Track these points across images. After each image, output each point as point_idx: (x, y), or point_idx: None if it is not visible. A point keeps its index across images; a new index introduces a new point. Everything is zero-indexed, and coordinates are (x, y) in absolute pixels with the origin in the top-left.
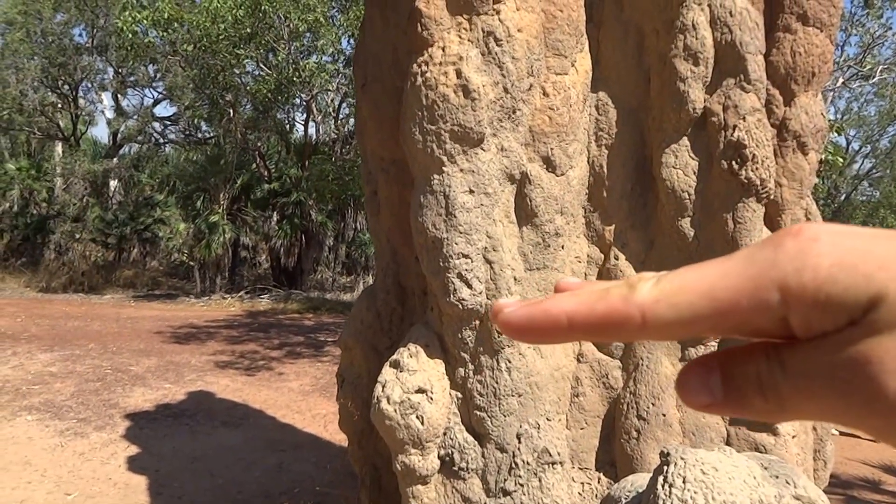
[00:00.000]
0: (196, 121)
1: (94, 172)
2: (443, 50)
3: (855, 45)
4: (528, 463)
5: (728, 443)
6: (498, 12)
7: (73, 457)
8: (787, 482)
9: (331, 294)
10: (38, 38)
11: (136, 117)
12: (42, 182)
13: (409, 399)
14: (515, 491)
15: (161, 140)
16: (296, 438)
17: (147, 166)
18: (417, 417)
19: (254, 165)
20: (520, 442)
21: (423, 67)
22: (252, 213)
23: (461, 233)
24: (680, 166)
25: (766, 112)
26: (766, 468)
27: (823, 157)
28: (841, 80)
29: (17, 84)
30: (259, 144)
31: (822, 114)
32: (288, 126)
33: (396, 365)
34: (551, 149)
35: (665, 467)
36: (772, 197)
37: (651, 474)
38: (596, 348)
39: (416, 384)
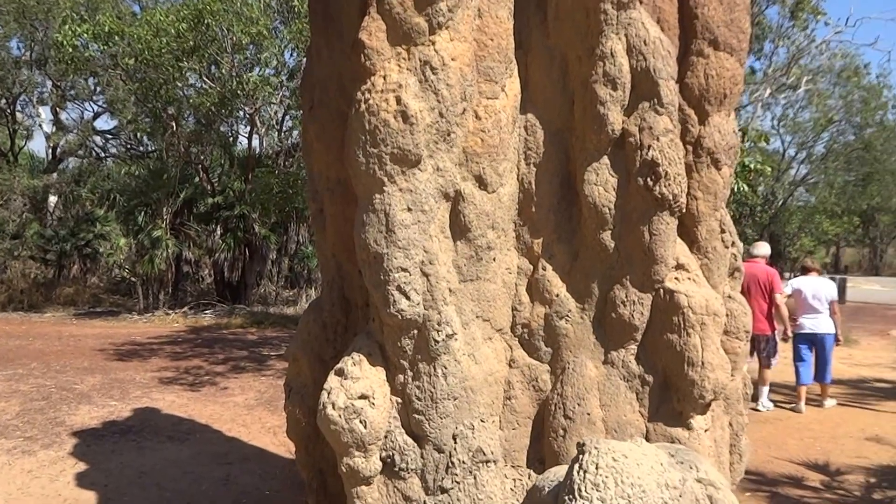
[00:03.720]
0: (138, 134)
1: (33, 188)
2: (384, 78)
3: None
4: (463, 462)
5: (647, 438)
6: (433, 43)
7: (22, 474)
8: (691, 467)
9: (274, 308)
10: None
11: (76, 131)
12: None
13: (352, 405)
14: (452, 488)
15: (102, 154)
16: (242, 451)
17: (88, 181)
18: (361, 422)
19: (197, 179)
20: (456, 442)
21: (366, 95)
22: (195, 227)
23: (400, 248)
24: (601, 183)
25: (682, 131)
26: (672, 455)
27: (753, 165)
28: (769, 90)
29: None
30: (202, 158)
31: (734, 132)
32: (231, 139)
33: (341, 373)
34: (483, 168)
35: (581, 456)
36: (684, 210)
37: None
38: (526, 353)
39: (359, 391)
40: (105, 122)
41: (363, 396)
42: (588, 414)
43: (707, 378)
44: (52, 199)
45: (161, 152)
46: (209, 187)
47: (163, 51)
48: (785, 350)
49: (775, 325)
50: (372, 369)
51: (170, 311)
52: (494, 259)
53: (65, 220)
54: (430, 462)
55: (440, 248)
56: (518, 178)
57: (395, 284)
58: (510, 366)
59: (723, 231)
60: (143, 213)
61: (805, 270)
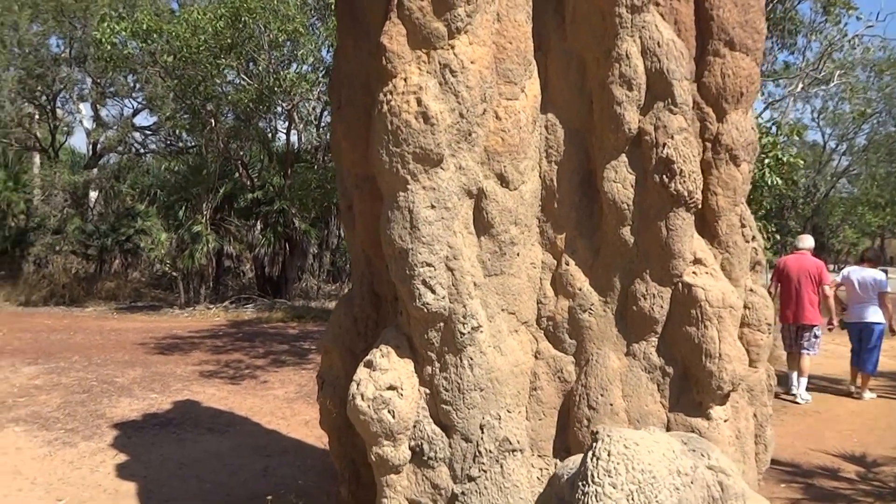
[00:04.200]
0: (177, 131)
1: (73, 183)
2: (405, 81)
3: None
4: (490, 451)
5: (668, 427)
6: (452, 47)
7: (63, 465)
8: (703, 455)
9: (315, 302)
10: (14, 48)
11: (115, 127)
12: (20, 194)
13: (381, 395)
14: (479, 477)
15: (141, 150)
16: (281, 443)
17: (128, 177)
18: (389, 412)
19: (236, 174)
20: (483, 432)
21: (388, 96)
22: (235, 222)
23: (424, 244)
24: (619, 180)
25: (701, 128)
26: (685, 443)
27: (787, 159)
28: (801, 85)
29: None
30: (241, 153)
31: (752, 128)
32: (270, 135)
33: (370, 365)
34: (504, 166)
35: (594, 444)
36: (700, 206)
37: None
38: (551, 345)
39: (387, 382)
40: (144, 119)
41: (391, 387)
42: (611, 404)
43: (724, 369)
44: (93, 194)
45: (200, 148)
46: (249, 183)
47: (200, 48)
48: (827, 342)
49: (821, 316)
50: (400, 361)
51: (211, 306)
52: (518, 254)
53: (106, 215)
54: (458, 451)
55: (464, 243)
56: (540, 176)
57: (420, 279)
58: (536, 357)
59: (743, 226)
60: (183, 209)
61: (864, 260)
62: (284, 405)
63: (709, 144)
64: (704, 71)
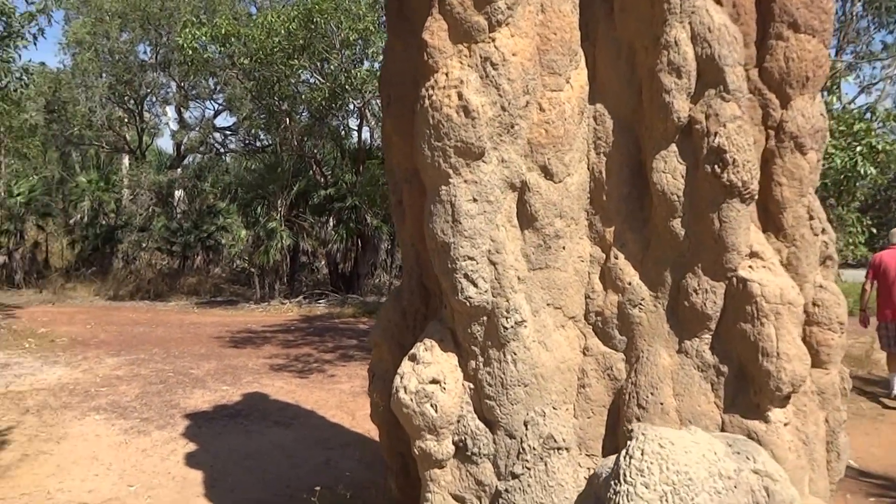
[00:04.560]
0: (254, 130)
1: (158, 183)
2: (446, 75)
3: None
4: (534, 448)
5: (723, 429)
6: (493, 40)
7: (136, 453)
8: (748, 458)
9: (387, 298)
10: (106, 56)
11: (197, 129)
12: (110, 193)
13: (423, 389)
14: (523, 474)
15: (221, 150)
16: (344, 437)
17: (209, 176)
18: (431, 406)
19: (310, 172)
20: (527, 429)
21: (430, 91)
22: (309, 218)
23: (466, 237)
24: (669, 171)
25: (763, 116)
26: (730, 445)
27: (881, 146)
28: None
29: (86, 101)
30: (315, 151)
31: (821, 115)
32: (343, 132)
33: (413, 358)
34: (548, 159)
35: (629, 442)
36: (756, 197)
37: None
38: (600, 342)
39: (430, 375)
40: (224, 120)
41: (434, 381)
42: (661, 403)
43: (783, 369)
44: (178, 193)
45: (276, 147)
46: (322, 180)
47: (275, 50)
48: None
49: None
50: (443, 355)
51: (285, 301)
52: (564, 248)
53: (189, 213)
54: (502, 447)
55: (507, 237)
56: (588, 168)
57: (462, 272)
58: (584, 354)
59: (811, 218)
60: (260, 206)
61: None
62: (350, 399)
63: (772, 132)
64: (766, 55)
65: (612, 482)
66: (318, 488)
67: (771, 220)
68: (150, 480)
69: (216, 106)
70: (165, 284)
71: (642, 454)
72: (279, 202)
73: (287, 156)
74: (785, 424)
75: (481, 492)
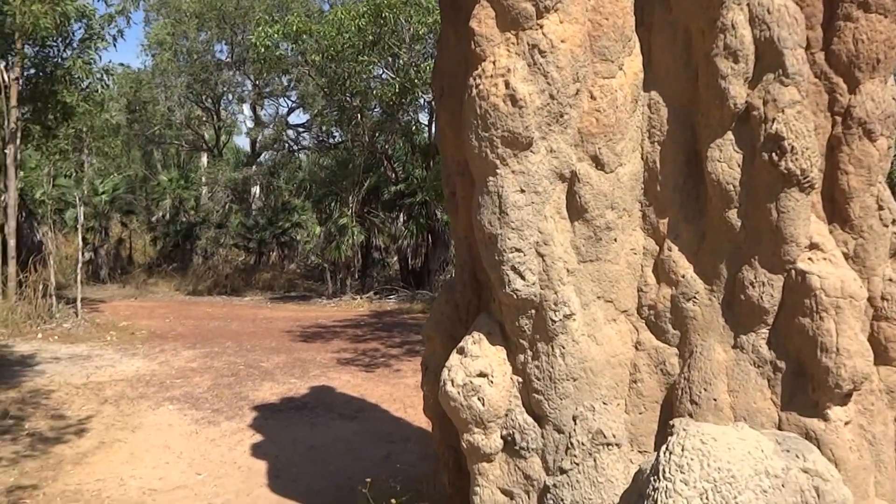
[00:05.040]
0: (327, 127)
1: (234, 180)
2: (493, 63)
3: None
4: (583, 443)
5: (780, 427)
6: (542, 26)
7: (206, 442)
8: (798, 456)
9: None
10: (184, 56)
11: (271, 126)
12: (190, 191)
13: (471, 382)
14: (571, 470)
15: (294, 147)
16: (406, 432)
17: (282, 172)
18: (479, 399)
19: (381, 168)
20: (575, 423)
21: (477, 80)
22: (380, 214)
23: (513, 229)
24: (725, 160)
25: (829, 101)
26: (779, 443)
27: None
28: None
29: (165, 101)
30: (386, 147)
31: (892, 99)
32: (413, 127)
33: (461, 351)
34: (599, 148)
35: (670, 437)
36: (816, 186)
37: None
38: (653, 336)
39: (477, 368)
40: (297, 117)
41: (482, 374)
42: (715, 400)
43: (843, 366)
44: (255, 189)
45: (347, 143)
46: (393, 175)
47: (345, 46)
48: None
49: None
50: (491, 348)
51: (356, 297)
52: (615, 240)
53: (264, 209)
54: (550, 442)
55: (556, 228)
56: (642, 158)
57: (509, 265)
58: (636, 348)
59: (881, 208)
60: (331, 202)
61: None
62: (414, 394)
63: (838, 119)
64: (833, 37)
65: (652, 478)
66: (368, 480)
67: (837, 210)
68: (217, 469)
69: (290, 103)
70: (241, 280)
71: (682, 450)
72: (350, 198)
73: (358, 152)
74: (846, 423)
75: (529, 486)
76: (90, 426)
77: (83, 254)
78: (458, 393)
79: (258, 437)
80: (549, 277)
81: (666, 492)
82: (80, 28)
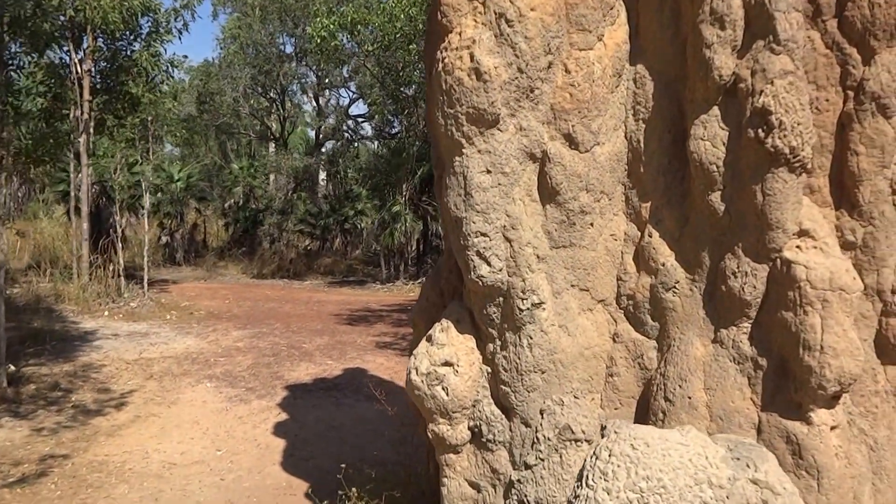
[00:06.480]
0: (378, 116)
1: (296, 168)
2: (459, 35)
3: None
4: (548, 438)
5: (759, 429)
6: None
7: (233, 420)
8: (748, 466)
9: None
10: (249, 49)
11: (331, 116)
12: (258, 180)
13: (435, 371)
14: (536, 465)
15: (353, 137)
16: None
17: (341, 162)
18: (443, 388)
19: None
20: (543, 417)
21: (443, 53)
22: (434, 202)
23: (478, 212)
24: (708, 137)
25: (841, 74)
26: (731, 450)
27: None
28: None
29: (231, 92)
30: None
31: None
32: None
33: (429, 339)
34: (573, 126)
35: (600, 441)
36: (807, 166)
37: None
38: (632, 328)
39: (443, 357)
40: (358, 108)
41: (447, 363)
42: (689, 398)
43: (828, 365)
44: (322, 176)
45: (402, 132)
46: None
47: (397, 35)
48: None
49: None
50: (459, 336)
51: (408, 282)
52: (592, 224)
53: (329, 197)
54: (518, 436)
55: (525, 211)
56: (626, 136)
57: (474, 250)
58: (614, 340)
59: (894, 193)
60: (386, 191)
61: None
62: None
63: (850, 93)
64: (847, 2)
65: (576, 484)
66: (343, 465)
67: (845, 194)
68: (237, 446)
69: (350, 94)
70: (303, 264)
71: (610, 455)
72: (404, 186)
73: (411, 141)
74: (832, 428)
75: (496, 480)
76: (131, 400)
77: (160, 237)
78: (422, 382)
79: (283, 416)
80: (517, 264)
81: (586, 500)
82: (147, 22)
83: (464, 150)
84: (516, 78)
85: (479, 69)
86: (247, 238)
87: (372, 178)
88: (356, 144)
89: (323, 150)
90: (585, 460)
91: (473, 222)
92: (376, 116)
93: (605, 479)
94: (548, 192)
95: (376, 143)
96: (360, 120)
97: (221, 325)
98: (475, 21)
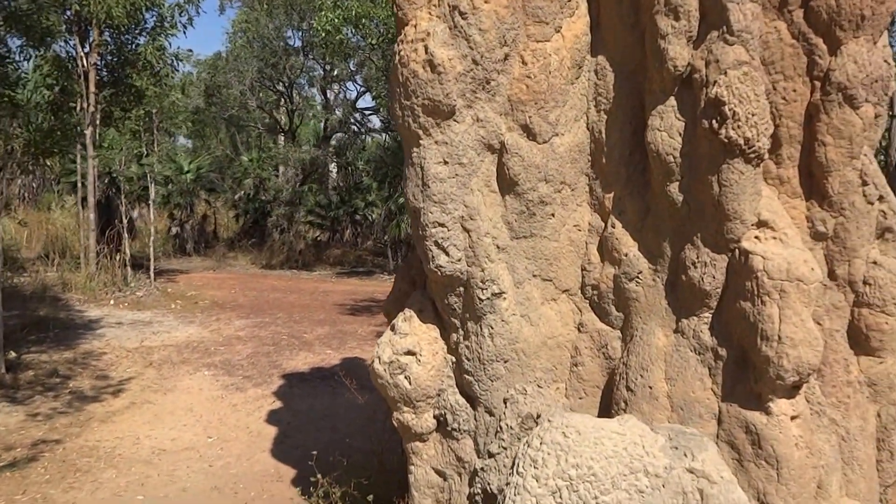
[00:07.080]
0: (382, 109)
1: (303, 160)
2: (415, 28)
3: None
4: (511, 427)
5: (720, 419)
6: None
7: (227, 407)
8: (686, 455)
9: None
10: (256, 42)
11: (339, 109)
12: (267, 172)
13: (397, 360)
14: (499, 454)
15: (360, 130)
16: None
17: (348, 154)
18: (405, 377)
19: None
20: (506, 406)
21: (400, 46)
22: None
23: (435, 202)
24: (665, 128)
25: (808, 64)
26: (670, 439)
27: None
28: None
29: (238, 85)
30: None
31: (885, 61)
32: None
33: (393, 328)
34: (530, 117)
35: (533, 429)
36: (763, 158)
37: None
38: (596, 318)
39: (405, 346)
40: (365, 101)
41: (409, 353)
42: (650, 387)
43: (786, 355)
44: (332, 167)
45: None
46: None
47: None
48: None
49: None
50: (422, 326)
51: None
52: (553, 215)
53: (339, 188)
54: (482, 425)
55: (484, 202)
56: (588, 127)
57: (432, 240)
58: (579, 330)
59: (865, 183)
60: (394, 183)
61: None
62: None
63: (817, 84)
64: None
65: (509, 473)
66: (314, 452)
67: (815, 185)
68: (228, 433)
69: (358, 88)
70: (312, 255)
71: (541, 443)
72: None
73: None
74: (792, 418)
75: (461, 468)
76: (128, 387)
77: (170, 228)
78: (385, 370)
79: (278, 404)
80: (476, 254)
81: (516, 487)
82: (151, 17)
83: (421, 142)
84: (472, 70)
85: (433, 61)
86: (256, 229)
87: (379, 170)
88: (364, 137)
89: (332, 142)
90: (519, 448)
91: (431, 212)
92: (381, 109)
93: (534, 467)
94: (507, 183)
95: (384, 135)
96: (367, 112)
97: (225, 314)
98: (430, 14)
